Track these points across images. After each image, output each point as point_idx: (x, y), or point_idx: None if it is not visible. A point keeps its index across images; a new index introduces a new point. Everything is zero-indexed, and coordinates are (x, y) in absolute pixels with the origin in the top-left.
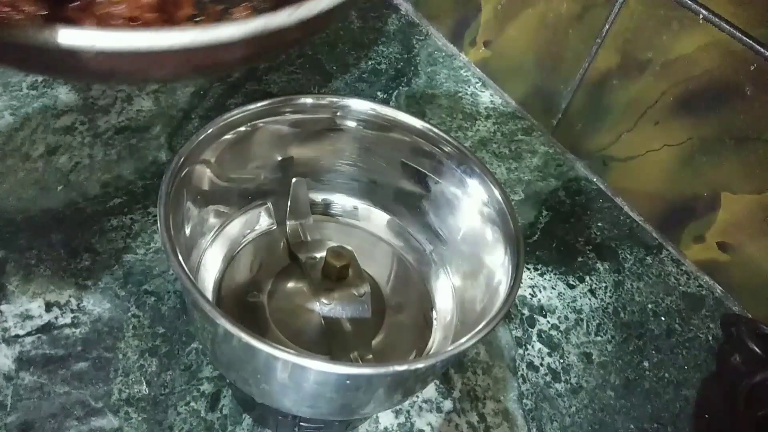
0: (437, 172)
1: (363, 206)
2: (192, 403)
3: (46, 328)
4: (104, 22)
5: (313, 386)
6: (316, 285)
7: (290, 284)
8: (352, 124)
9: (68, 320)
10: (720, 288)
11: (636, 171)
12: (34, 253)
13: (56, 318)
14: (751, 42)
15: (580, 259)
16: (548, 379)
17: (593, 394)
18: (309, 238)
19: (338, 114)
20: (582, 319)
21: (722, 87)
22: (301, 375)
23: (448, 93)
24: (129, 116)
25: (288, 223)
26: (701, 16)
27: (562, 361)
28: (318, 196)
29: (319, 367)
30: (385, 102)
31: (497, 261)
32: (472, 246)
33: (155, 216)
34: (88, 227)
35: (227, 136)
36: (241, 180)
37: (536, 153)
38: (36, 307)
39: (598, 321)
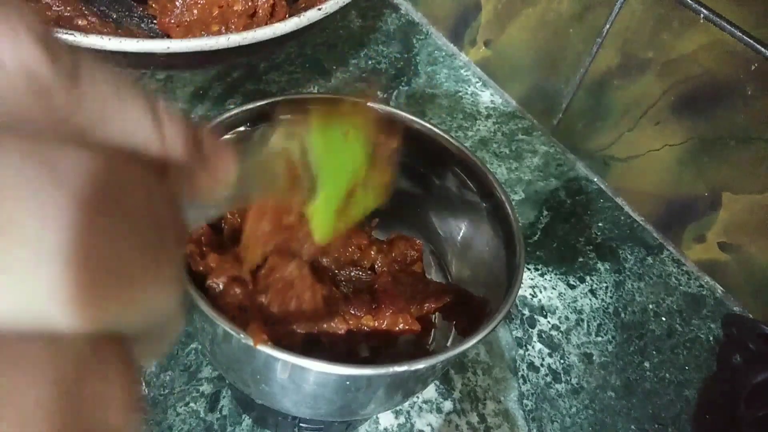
0: (437, 172)
1: None
2: (191, 404)
3: None
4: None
5: (312, 387)
6: None
7: None
8: None
9: None
10: (721, 288)
11: (637, 171)
12: None
13: None
14: (751, 42)
15: (580, 259)
16: (549, 379)
17: (594, 395)
18: None
19: None
20: (582, 320)
21: (723, 87)
22: (300, 375)
23: (449, 92)
24: None
25: None
26: (702, 15)
27: (562, 361)
28: None
29: (318, 367)
30: (385, 102)
31: (497, 261)
32: (472, 246)
33: None
34: None
35: (226, 137)
36: None
37: (537, 153)
38: None
39: (598, 321)
